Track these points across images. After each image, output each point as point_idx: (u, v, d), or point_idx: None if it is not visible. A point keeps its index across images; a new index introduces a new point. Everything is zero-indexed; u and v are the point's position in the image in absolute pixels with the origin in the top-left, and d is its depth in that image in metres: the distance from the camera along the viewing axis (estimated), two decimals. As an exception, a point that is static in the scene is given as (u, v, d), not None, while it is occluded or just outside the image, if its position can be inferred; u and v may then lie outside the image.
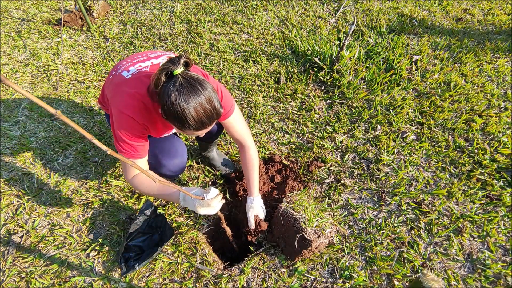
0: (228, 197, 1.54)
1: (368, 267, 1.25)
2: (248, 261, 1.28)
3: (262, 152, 1.65)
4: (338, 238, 1.34)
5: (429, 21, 2.39)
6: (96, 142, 0.58)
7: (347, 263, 1.26)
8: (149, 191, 1.12)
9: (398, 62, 2.00)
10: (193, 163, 1.63)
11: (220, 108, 0.95)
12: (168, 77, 0.89)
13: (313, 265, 1.27)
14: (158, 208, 1.43)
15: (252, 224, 1.32)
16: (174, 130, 1.28)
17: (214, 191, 1.05)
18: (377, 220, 1.38)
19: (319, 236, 1.18)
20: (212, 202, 1.03)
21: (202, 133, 0.99)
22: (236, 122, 1.21)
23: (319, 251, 1.26)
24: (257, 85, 1.99)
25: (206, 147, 1.55)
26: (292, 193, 1.41)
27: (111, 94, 1.08)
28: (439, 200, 1.41)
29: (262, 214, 1.34)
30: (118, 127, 1.03)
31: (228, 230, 1.29)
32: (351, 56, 2.02)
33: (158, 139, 1.25)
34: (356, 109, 1.81)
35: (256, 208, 1.32)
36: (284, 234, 1.25)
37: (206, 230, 1.42)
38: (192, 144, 1.73)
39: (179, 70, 0.88)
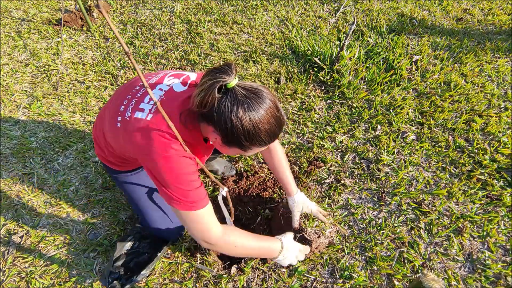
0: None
1: (368, 267, 1.25)
2: (248, 261, 1.28)
3: (282, 128, 1.64)
4: (338, 238, 1.34)
5: (429, 21, 2.39)
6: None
7: (347, 263, 1.26)
8: (244, 241, 0.95)
9: (398, 62, 2.00)
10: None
11: (284, 113, 0.84)
12: (223, 91, 0.75)
13: (313, 265, 1.27)
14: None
15: (296, 222, 1.21)
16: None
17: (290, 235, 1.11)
18: (377, 220, 1.38)
19: (319, 236, 1.18)
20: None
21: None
22: None
23: (319, 251, 1.26)
24: (257, 85, 1.99)
25: (211, 157, 1.51)
26: None
27: (139, 144, 0.85)
28: (439, 200, 1.41)
29: (313, 206, 1.23)
30: (174, 178, 0.82)
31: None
32: (351, 56, 2.02)
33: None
34: (356, 109, 1.81)
35: (303, 204, 1.21)
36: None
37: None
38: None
39: (235, 81, 0.74)
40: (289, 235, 1.11)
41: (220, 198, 1.05)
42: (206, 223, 0.89)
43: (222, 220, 1.21)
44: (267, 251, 1.02)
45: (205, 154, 1.02)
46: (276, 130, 0.81)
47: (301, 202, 1.22)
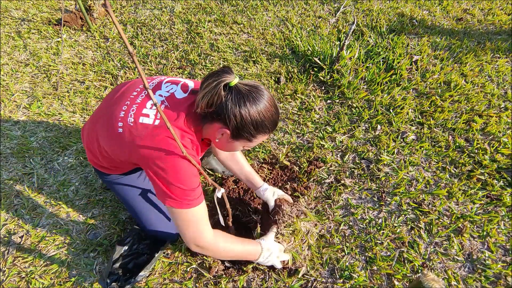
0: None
1: (368, 267, 1.25)
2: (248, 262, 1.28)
3: (262, 152, 1.65)
4: (338, 238, 1.34)
5: (429, 21, 2.39)
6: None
7: (347, 263, 1.26)
8: (232, 246, 1.03)
9: (398, 62, 2.00)
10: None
11: None
12: (228, 89, 0.82)
13: (313, 265, 1.27)
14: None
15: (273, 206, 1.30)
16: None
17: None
18: (377, 220, 1.38)
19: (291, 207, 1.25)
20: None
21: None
22: None
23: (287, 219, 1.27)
24: (257, 85, 1.99)
25: (208, 153, 1.54)
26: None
27: (147, 148, 0.88)
28: (439, 200, 1.41)
29: (279, 192, 1.32)
30: (177, 178, 0.87)
31: (232, 228, 1.29)
32: (351, 56, 2.02)
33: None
34: (356, 109, 1.81)
35: (271, 191, 1.31)
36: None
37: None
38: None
39: (236, 79, 0.82)
40: (270, 236, 1.18)
41: (215, 200, 1.08)
42: (199, 224, 0.94)
43: (217, 222, 1.21)
44: (250, 253, 1.10)
45: (201, 152, 1.06)
46: (276, 117, 0.91)
47: (270, 189, 1.32)
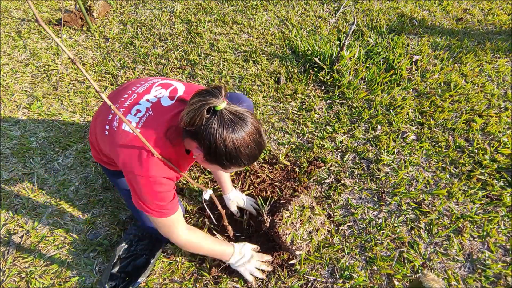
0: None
1: (368, 267, 1.25)
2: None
3: (262, 152, 1.65)
4: (338, 238, 1.34)
5: (429, 21, 2.39)
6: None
7: (347, 263, 1.26)
8: (203, 243, 1.06)
9: (398, 62, 2.00)
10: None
11: (265, 138, 0.91)
12: (211, 113, 0.78)
13: (313, 265, 1.27)
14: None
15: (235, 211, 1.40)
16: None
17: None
18: (377, 220, 1.38)
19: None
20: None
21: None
22: None
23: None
24: (257, 85, 1.99)
25: None
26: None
27: (123, 159, 0.90)
28: (439, 200, 1.41)
29: (242, 202, 1.40)
30: (151, 196, 0.89)
31: (230, 229, 1.29)
32: (351, 56, 2.02)
33: None
34: (356, 109, 1.81)
35: (237, 199, 1.38)
36: None
37: (207, 229, 1.42)
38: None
39: (223, 104, 0.78)
40: (248, 244, 1.22)
41: (204, 202, 1.10)
42: (174, 228, 0.99)
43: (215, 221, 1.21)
44: (221, 253, 1.14)
45: (187, 164, 1.05)
46: (256, 153, 0.85)
47: (234, 198, 1.39)
